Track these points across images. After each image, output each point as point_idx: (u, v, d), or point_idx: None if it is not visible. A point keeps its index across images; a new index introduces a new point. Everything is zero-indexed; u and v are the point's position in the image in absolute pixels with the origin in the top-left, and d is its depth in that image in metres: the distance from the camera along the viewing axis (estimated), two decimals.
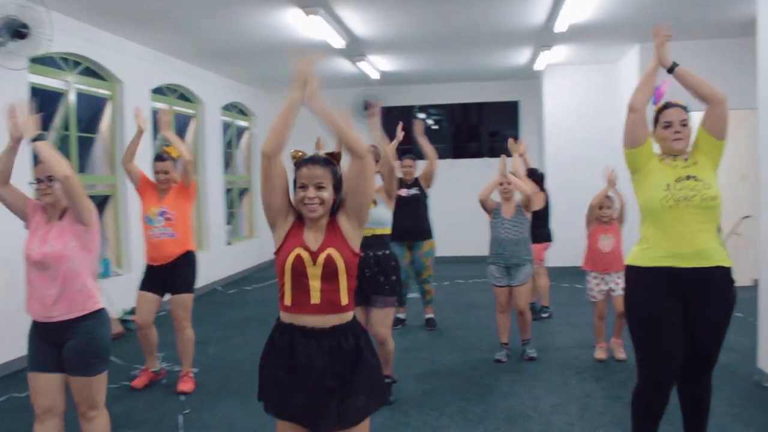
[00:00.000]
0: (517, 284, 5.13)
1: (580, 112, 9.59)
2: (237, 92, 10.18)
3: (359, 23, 6.71)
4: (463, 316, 6.97)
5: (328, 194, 2.28)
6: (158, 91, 7.83)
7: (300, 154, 2.35)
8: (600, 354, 5.16)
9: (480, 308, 7.18)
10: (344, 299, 2.28)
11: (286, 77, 9.78)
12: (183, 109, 8.55)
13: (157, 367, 4.80)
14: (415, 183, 6.40)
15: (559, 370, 4.95)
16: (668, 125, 2.99)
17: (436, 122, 11.84)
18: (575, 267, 6.39)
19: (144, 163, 5.13)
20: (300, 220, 2.34)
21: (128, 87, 6.97)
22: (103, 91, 6.80)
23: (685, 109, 3.03)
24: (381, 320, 4.20)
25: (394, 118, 11.74)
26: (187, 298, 4.63)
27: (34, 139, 2.91)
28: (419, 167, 6.30)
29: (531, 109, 11.03)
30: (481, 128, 11.99)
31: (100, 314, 3.00)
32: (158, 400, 4.48)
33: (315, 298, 2.25)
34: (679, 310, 2.93)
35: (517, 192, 5.18)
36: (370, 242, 4.10)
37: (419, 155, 6.52)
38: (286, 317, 2.29)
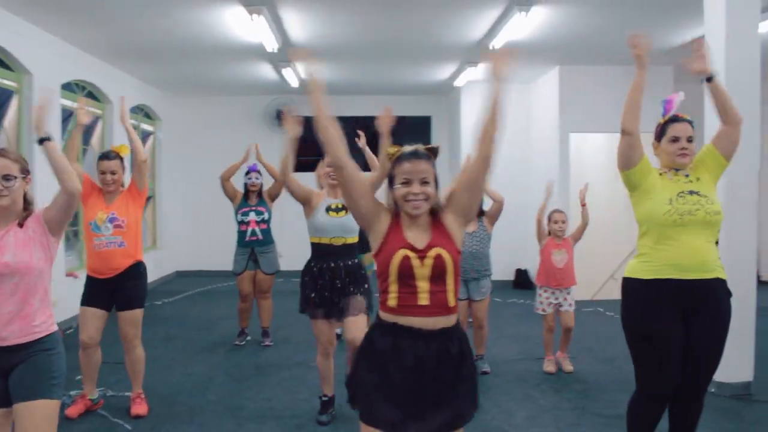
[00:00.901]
0: (479, 299, 5.09)
1: None
2: (146, 94, 9.53)
3: (298, 27, 6.48)
4: None
5: (432, 189, 2.22)
6: (66, 87, 7.15)
7: (396, 149, 2.27)
8: (549, 367, 5.22)
9: None
10: (452, 300, 2.21)
11: (205, 80, 9.36)
12: (91, 108, 7.87)
13: (95, 395, 4.27)
14: None
15: (518, 384, 4.94)
16: (676, 140, 3.01)
17: (347, 135, 11.69)
18: (494, 281, 6.47)
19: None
20: (397, 219, 2.24)
21: (38, 80, 6.29)
22: (8, 83, 6.10)
23: (691, 123, 3.06)
24: (358, 326, 3.98)
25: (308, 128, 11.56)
26: (138, 314, 4.19)
27: (43, 140, 2.51)
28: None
29: (443, 124, 11.19)
30: (393, 142, 11.97)
31: (55, 335, 2.60)
32: (99, 430, 4.00)
33: (423, 299, 2.16)
34: (679, 322, 2.93)
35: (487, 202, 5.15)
36: (341, 251, 3.99)
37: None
38: (389, 317, 2.19)
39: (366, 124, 12.71)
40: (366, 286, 4.04)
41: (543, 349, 5.36)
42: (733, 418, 4.19)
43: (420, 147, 2.28)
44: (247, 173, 5.97)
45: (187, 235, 10.74)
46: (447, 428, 2.18)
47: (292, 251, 7.89)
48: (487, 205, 5.13)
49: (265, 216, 5.98)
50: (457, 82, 9.38)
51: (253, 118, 10.64)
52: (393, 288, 2.18)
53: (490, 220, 5.13)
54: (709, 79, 3.02)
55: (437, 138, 11.15)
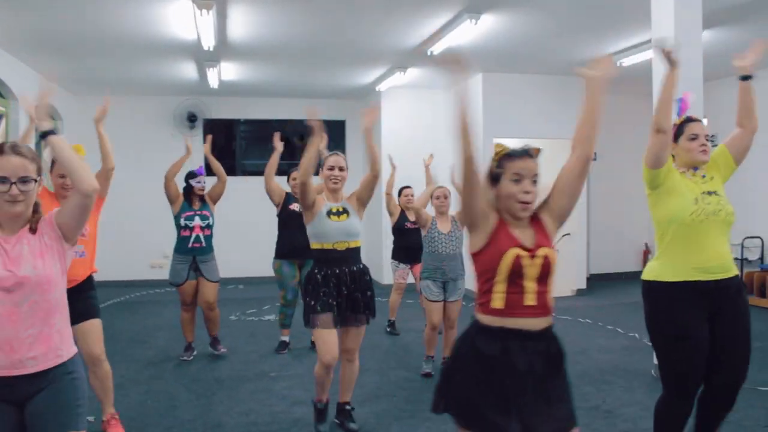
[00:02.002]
0: (454, 299, 5.14)
1: (414, 133, 9.96)
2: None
3: (240, 25, 6.25)
4: None
5: (537, 190, 2.17)
6: None
7: (502, 147, 2.22)
8: None
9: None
10: (551, 300, 2.19)
11: (115, 78, 8.72)
12: None
13: None
14: None
15: None
16: (695, 137, 3.05)
17: (256, 138, 11.39)
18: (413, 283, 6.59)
19: None
20: (501, 217, 2.19)
21: None
22: None
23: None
24: (357, 339, 3.97)
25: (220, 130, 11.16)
26: (99, 325, 3.85)
27: (46, 134, 2.19)
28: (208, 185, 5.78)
29: (358, 128, 11.18)
30: (304, 145, 11.81)
31: (77, 356, 2.32)
32: None
33: (530, 299, 2.13)
34: (705, 323, 2.95)
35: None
36: (346, 256, 3.86)
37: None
38: (495, 320, 2.13)
39: (281, 127, 12.48)
40: (370, 293, 3.94)
41: None
42: None
43: (529, 146, 2.25)
44: (194, 176, 5.64)
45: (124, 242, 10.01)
46: (564, 429, 2.14)
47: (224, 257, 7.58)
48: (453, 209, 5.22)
49: (210, 221, 5.68)
50: (381, 87, 9.41)
51: (162, 120, 10.12)
52: (500, 288, 2.13)
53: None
54: (746, 78, 3.12)
55: (352, 142, 11.14)
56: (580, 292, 9.34)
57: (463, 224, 2.26)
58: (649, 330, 3.12)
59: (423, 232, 5.25)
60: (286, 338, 6.17)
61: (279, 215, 6.00)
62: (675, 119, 3.21)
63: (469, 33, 6.48)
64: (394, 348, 6.19)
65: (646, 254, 10.59)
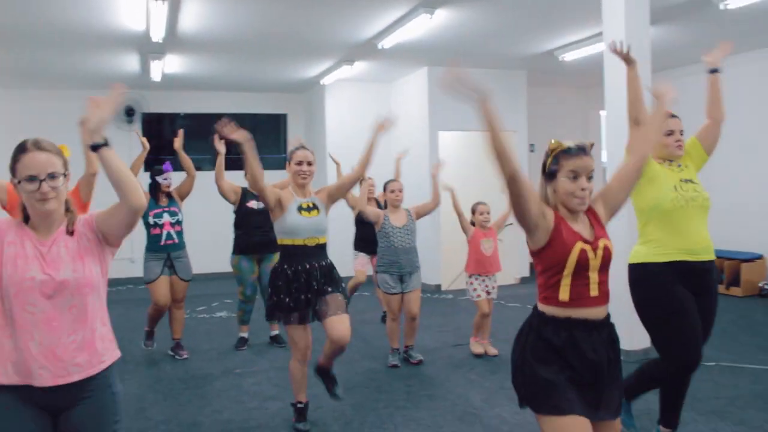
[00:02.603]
0: (410, 290, 5.20)
1: (360, 127, 9.97)
2: None
3: (192, 17, 6.09)
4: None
5: (592, 185, 2.24)
6: None
7: (558, 144, 2.28)
8: (477, 348, 5.50)
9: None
10: (608, 289, 2.28)
11: (49, 71, 8.35)
12: None
13: None
14: None
15: (454, 370, 5.14)
16: (671, 133, 3.24)
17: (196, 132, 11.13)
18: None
19: None
20: (558, 214, 2.25)
21: None
22: None
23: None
24: (345, 325, 3.82)
25: (164, 124, 10.85)
26: None
27: (97, 146, 2.02)
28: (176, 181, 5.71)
29: (299, 122, 11.11)
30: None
31: (115, 365, 2.22)
32: None
33: (594, 290, 2.22)
34: (692, 298, 3.14)
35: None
36: (315, 252, 3.86)
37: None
38: (561, 312, 2.21)
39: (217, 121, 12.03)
40: (343, 285, 3.95)
41: (454, 336, 5.61)
42: None
43: (584, 142, 2.30)
44: (160, 172, 5.48)
45: None
46: (620, 410, 2.29)
47: None
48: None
49: (179, 217, 5.56)
50: (326, 80, 9.37)
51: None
52: (566, 281, 2.20)
53: (417, 215, 5.29)
54: (714, 71, 3.34)
55: (293, 135, 11.05)
56: (524, 280, 9.62)
57: (522, 228, 2.25)
58: (642, 310, 3.23)
59: (376, 228, 5.28)
60: (245, 334, 6.10)
61: (236, 212, 5.92)
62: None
63: (421, 27, 6.56)
64: (355, 340, 6.16)
65: None
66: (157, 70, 8.08)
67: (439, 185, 5.32)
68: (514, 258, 9.33)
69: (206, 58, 7.89)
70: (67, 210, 2.16)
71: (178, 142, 5.55)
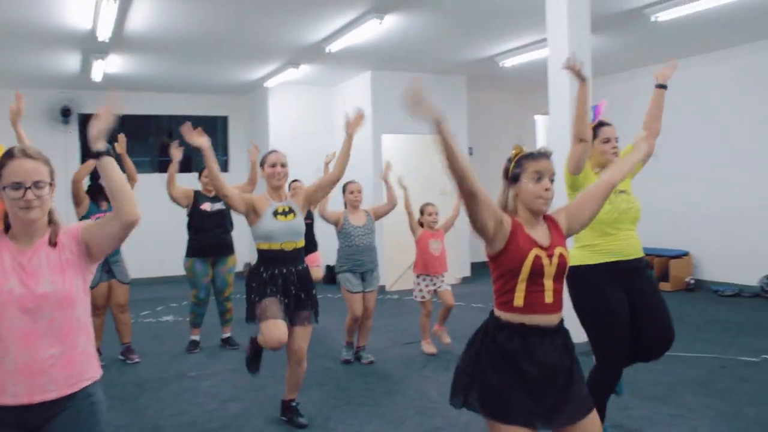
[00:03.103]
0: (371, 289, 5.33)
1: (302, 129, 10.03)
2: None
3: (141, 17, 6.01)
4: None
5: (554, 188, 2.31)
6: None
7: (520, 149, 2.36)
8: (429, 348, 5.65)
9: None
10: (563, 297, 2.34)
11: None
12: None
13: None
14: (219, 197, 5.97)
15: (408, 368, 5.28)
16: (607, 141, 3.45)
17: (136, 134, 10.90)
18: None
19: None
20: (516, 220, 2.30)
21: None
22: None
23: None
24: (305, 337, 3.96)
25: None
26: None
27: (101, 154, 2.02)
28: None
29: (240, 124, 11.05)
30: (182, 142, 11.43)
31: (98, 381, 2.14)
32: None
33: (549, 297, 2.27)
34: (624, 297, 3.35)
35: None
36: (292, 256, 3.88)
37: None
38: (516, 317, 2.25)
39: (161, 123, 11.92)
40: (314, 291, 3.99)
41: (403, 336, 5.73)
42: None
43: (545, 148, 2.41)
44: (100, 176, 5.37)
45: None
46: (585, 411, 2.28)
47: None
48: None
49: None
50: (269, 83, 9.37)
51: (32, 115, 9.40)
52: (521, 287, 2.24)
53: (375, 215, 5.41)
54: (662, 87, 3.59)
55: (235, 138, 10.98)
56: (465, 280, 9.88)
57: (480, 238, 2.28)
58: (579, 310, 3.43)
59: (336, 229, 5.37)
60: (196, 337, 6.06)
61: (189, 214, 5.89)
62: (590, 123, 3.54)
63: (369, 32, 6.67)
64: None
65: None
66: (99, 70, 7.91)
67: (393, 186, 5.44)
68: (456, 258, 9.56)
69: (150, 58, 7.78)
70: (50, 221, 2.10)
71: (120, 147, 5.45)
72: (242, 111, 11.00)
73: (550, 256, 2.27)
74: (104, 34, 6.14)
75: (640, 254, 3.47)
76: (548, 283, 2.27)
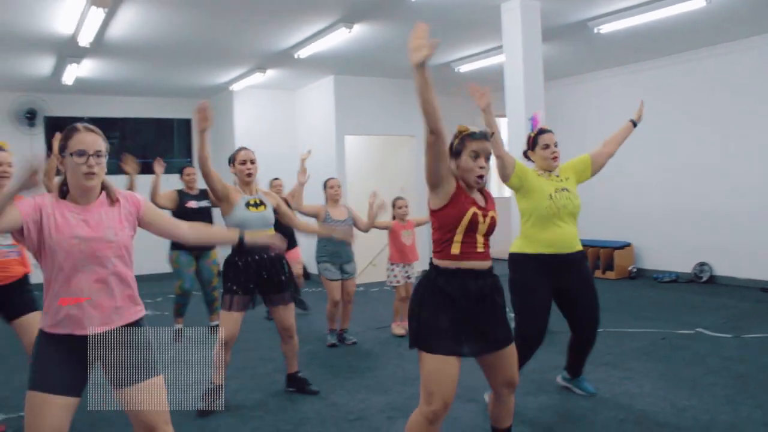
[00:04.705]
0: (350, 276, 5.78)
1: (266, 132, 10.37)
2: None
3: (124, 23, 6.28)
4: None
5: (489, 166, 2.70)
6: None
7: (465, 128, 2.72)
8: (398, 330, 6.13)
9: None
10: (489, 249, 2.74)
11: None
12: None
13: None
14: (202, 194, 6.33)
15: (386, 346, 5.75)
16: (547, 146, 3.83)
17: (110, 136, 11.03)
18: None
19: None
20: (459, 184, 2.67)
21: None
22: None
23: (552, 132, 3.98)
24: (289, 315, 4.31)
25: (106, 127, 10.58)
26: (38, 316, 3.94)
27: None
28: None
29: None
30: (155, 146, 11.48)
31: (145, 320, 2.56)
32: None
33: (480, 248, 2.67)
34: (550, 285, 3.78)
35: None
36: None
37: None
38: (453, 264, 2.62)
39: (125, 125, 11.97)
40: (288, 273, 4.29)
41: (374, 321, 6.21)
42: (540, 347, 5.53)
43: (486, 130, 2.81)
44: None
45: None
46: (509, 341, 2.73)
47: None
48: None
49: None
50: (235, 86, 9.69)
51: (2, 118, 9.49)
52: (458, 239, 2.60)
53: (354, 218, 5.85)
54: (634, 124, 4.17)
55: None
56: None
57: (429, 185, 2.63)
58: (510, 291, 3.82)
59: (318, 221, 5.76)
60: (180, 326, 6.35)
61: (174, 212, 6.13)
62: (530, 133, 4.02)
63: (336, 39, 7.10)
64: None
65: None
66: (71, 73, 8.10)
67: (373, 210, 5.62)
68: (423, 250, 10.06)
69: (122, 63, 8.00)
70: (103, 186, 2.48)
71: (159, 168, 5.84)
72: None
73: (485, 216, 2.65)
74: (86, 39, 6.39)
75: (575, 248, 3.83)
76: (480, 238, 2.66)
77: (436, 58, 8.53)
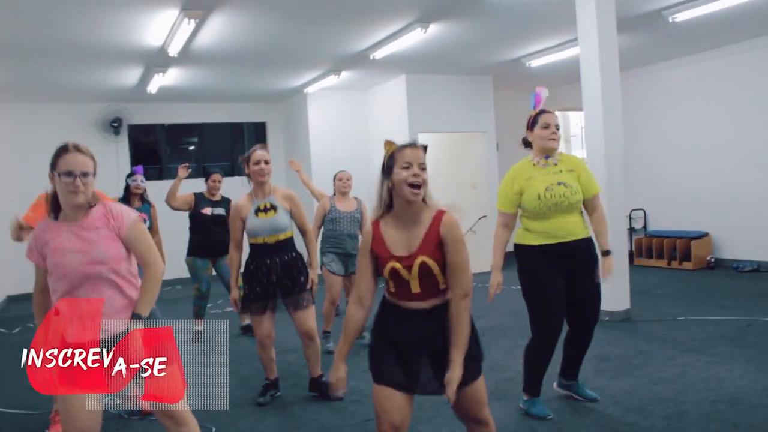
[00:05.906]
0: (353, 272, 5.58)
1: (339, 133, 10.66)
2: None
3: (212, 33, 6.63)
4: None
5: (426, 176, 2.48)
6: None
7: (392, 144, 2.57)
8: None
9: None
10: (442, 284, 2.53)
11: (43, 85, 8.56)
12: None
13: None
14: (223, 202, 6.42)
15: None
16: (546, 126, 3.67)
17: (188, 142, 11.62)
18: None
19: None
20: (378, 224, 2.57)
21: None
22: None
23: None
24: (309, 317, 4.27)
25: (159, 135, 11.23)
26: None
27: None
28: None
29: (278, 130, 11.67)
30: (235, 147, 11.93)
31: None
32: None
33: (415, 288, 2.51)
34: (560, 276, 3.65)
35: None
36: (276, 248, 4.19)
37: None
38: (392, 299, 2.57)
39: (202, 130, 12.42)
40: (304, 277, 4.24)
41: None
42: (623, 335, 5.61)
43: (415, 140, 2.58)
44: (131, 174, 5.72)
45: (19, 254, 9.77)
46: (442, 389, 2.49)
47: None
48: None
49: (148, 223, 5.54)
50: (309, 89, 10.01)
51: (85, 127, 10.05)
52: (390, 282, 2.52)
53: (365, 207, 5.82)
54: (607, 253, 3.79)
55: (273, 142, 11.57)
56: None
57: None
58: (520, 282, 3.77)
59: (324, 209, 5.72)
60: (200, 328, 6.45)
61: (191, 216, 6.35)
62: (531, 110, 3.86)
63: (412, 39, 7.28)
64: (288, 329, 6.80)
65: None
66: (156, 83, 8.56)
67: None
68: (485, 249, 10.13)
69: (204, 70, 8.38)
70: (90, 203, 2.62)
71: (183, 172, 6.18)
72: (280, 117, 11.61)
73: (408, 267, 2.46)
74: (175, 49, 6.78)
75: (579, 236, 3.69)
76: (414, 282, 2.48)
77: (505, 54, 8.64)
